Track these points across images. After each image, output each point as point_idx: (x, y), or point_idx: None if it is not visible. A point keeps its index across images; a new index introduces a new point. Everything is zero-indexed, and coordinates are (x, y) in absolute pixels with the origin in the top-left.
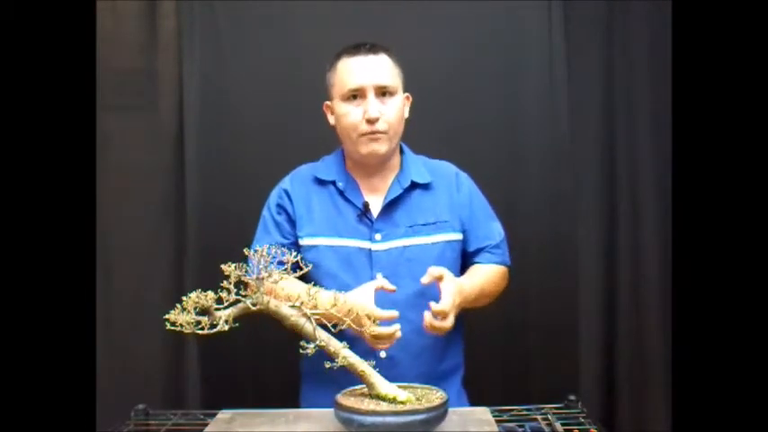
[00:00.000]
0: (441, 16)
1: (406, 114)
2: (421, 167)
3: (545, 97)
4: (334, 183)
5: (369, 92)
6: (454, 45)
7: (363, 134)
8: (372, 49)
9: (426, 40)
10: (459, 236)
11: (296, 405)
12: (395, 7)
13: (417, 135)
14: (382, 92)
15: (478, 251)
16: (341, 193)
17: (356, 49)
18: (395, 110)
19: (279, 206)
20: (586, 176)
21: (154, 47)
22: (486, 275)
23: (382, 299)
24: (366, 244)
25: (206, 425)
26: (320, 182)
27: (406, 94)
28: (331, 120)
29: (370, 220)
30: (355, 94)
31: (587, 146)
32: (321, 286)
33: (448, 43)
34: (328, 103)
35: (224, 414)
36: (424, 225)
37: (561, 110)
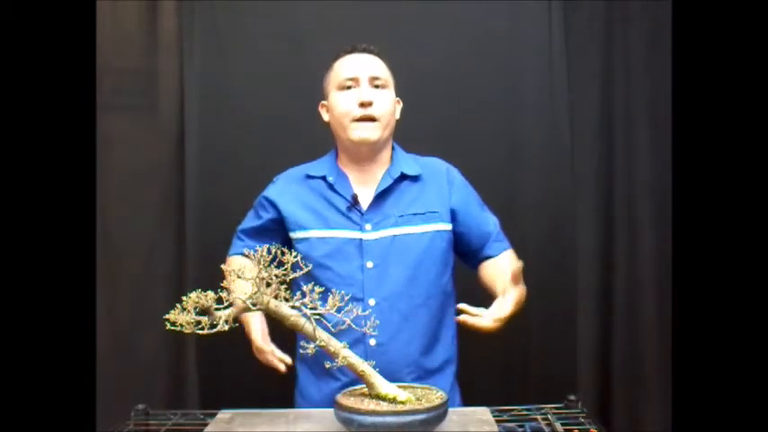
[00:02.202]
0: (441, 16)
1: (397, 116)
2: (411, 162)
3: (545, 97)
4: (324, 177)
5: (362, 81)
6: (454, 45)
7: (356, 119)
8: (366, 49)
9: (426, 39)
10: (448, 226)
11: (295, 405)
12: (395, 7)
13: (417, 135)
14: (375, 84)
15: (484, 244)
16: (331, 186)
17: (352, 49)
18: (387, 101)
19: (266, 199)
20: (585, 177)
21: (154, 47)
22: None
23: (372, 287)
24: (357, 234)
25: (206, 425)
26: (311, 178)
27: (397, 98)
28: (325, 116)
29: (360, 211)
30: (350, 85)
31: (586, 146)
32: (313, 277)
33: (448, 43)
34: (324, 102)
35: (224, 414)
36: (414, 215)
37: (561, 110)
